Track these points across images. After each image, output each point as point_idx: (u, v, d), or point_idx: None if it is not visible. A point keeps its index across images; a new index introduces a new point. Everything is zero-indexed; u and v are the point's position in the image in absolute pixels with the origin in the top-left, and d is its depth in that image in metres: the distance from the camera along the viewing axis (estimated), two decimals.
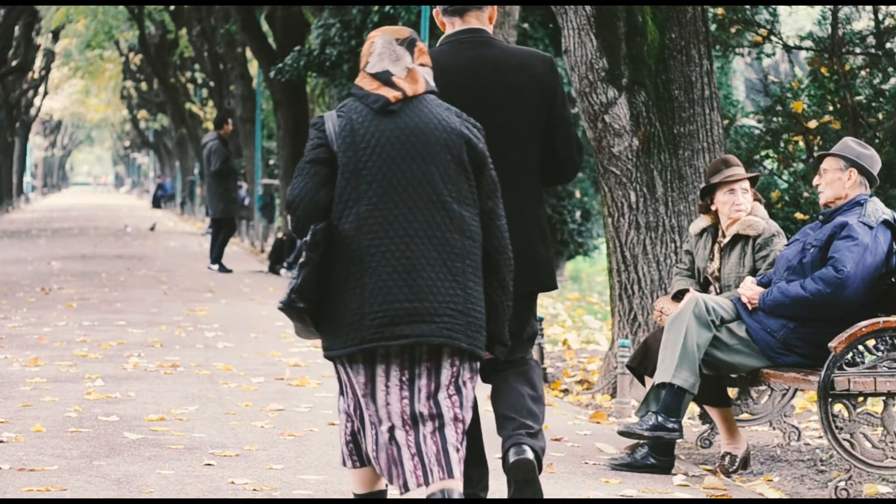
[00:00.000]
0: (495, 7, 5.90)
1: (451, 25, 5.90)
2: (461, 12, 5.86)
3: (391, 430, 5.07)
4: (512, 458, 5.49)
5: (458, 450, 5.08)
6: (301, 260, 5.06)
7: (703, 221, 7.92)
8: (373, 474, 5.32)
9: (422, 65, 5.23)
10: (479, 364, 5.19)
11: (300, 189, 5.09)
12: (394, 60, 5.18)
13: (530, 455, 5.48)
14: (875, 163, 7.27)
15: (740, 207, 7.73)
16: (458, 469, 5.05)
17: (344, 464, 5.37)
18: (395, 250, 5.02)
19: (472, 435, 5.72)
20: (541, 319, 11.41)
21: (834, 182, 7.25)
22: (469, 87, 5.75)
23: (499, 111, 5.78)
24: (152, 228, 36.83)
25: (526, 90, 5.83)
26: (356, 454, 5.30)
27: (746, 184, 7.79)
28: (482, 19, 5.88)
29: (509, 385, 5.73)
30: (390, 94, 5.13)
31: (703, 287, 7.85)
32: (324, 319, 5.10)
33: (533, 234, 5.84)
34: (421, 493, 5.13)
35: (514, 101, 5.82)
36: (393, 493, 6.19)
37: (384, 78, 5.15)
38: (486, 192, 5.21)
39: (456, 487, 5.01)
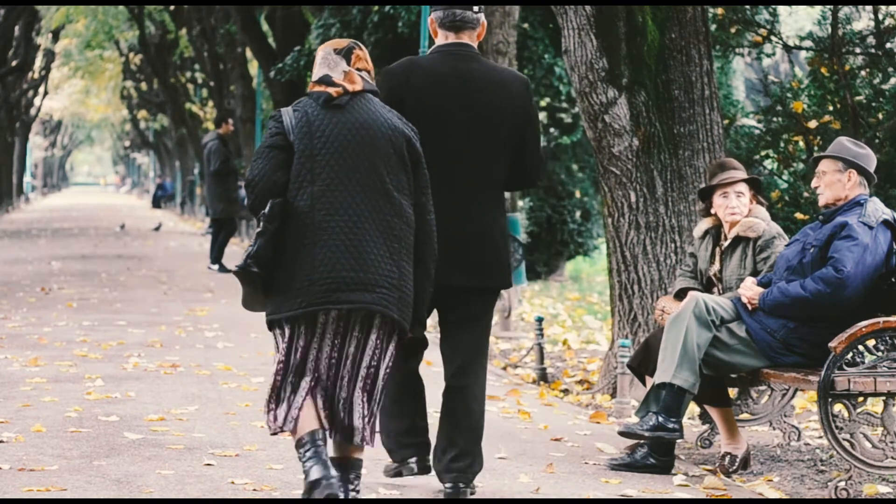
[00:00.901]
0: (485, 25, 6.58)
1: (445, 37, 6.55)
2: (458, 28, 6.53)
3: (316, 380, 5.79)
4: (446, 489, 6.38)
5: (363, 417, 5.81)
6: (258, 230, 5.71)
7: (705, 224, 7.93)
8: (308, 419, 5.80)
9: (359, 69, 5.99)
10: (399, 336, 5.88)
11: (259, 170, 5.80)
12: (331, 67, 5.96)
13: (459, 491, 6.35)
14: (871, 161, 7.26)
15: (734, 211, 7.74)
16: (358, 436, 5.81)
17: (274, 429, 5.86)
18: (343, 227, 5.73)
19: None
20: (541, 319, 11.42)
21: (833, 184, 7.24)
22: (452, 95, 6.42)
23: (477, 121, 6.43)
24: (157, 228, 36.77)
25: (503, 106, 6.47)
26: (290, 415, 5.81)
27: (742, 187, 7.78)
28: (472, 37, 6.56)
29: (458, 400, 6.47)
30: (333, 90, 5.88)
31: (707, 288, 7.85)
32: (274, 287, 5.74)
33: (499, 237, 6.52)
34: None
35: (492, 115, 6.45)
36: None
37: (325, 80, 5.93)
38: (420, 188, 5.96)
39: (355, 455, 5.86)
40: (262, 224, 5.71)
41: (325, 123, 5.81)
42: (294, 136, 5.80)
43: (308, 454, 5.74)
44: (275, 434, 5.89)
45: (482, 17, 6.55)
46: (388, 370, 5.89)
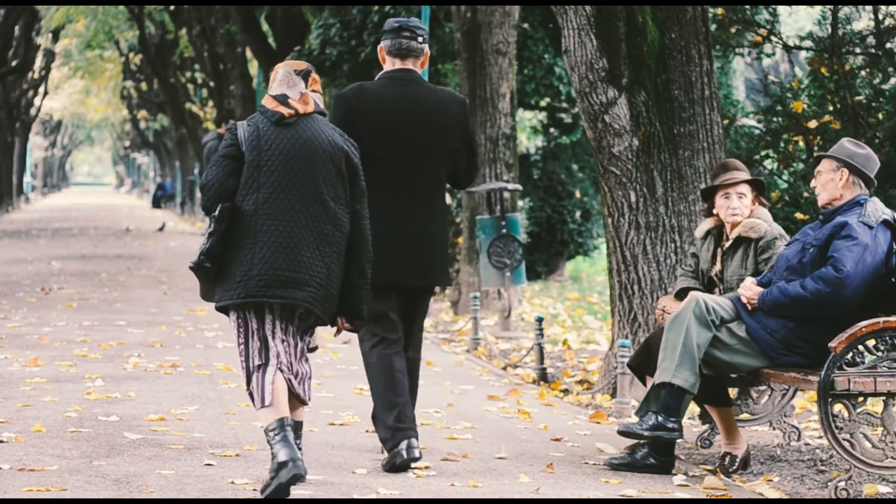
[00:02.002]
0: (427, 55, 7.49)
1: (392, 63, 7.47)
2: (404, 56, 7.46)
3: (279, 362, 6.49)
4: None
5: (302, 382, 6.61)
6: (210, 230, 6.48)
7: (707, 224, 7.94)
8: (281, 405, 6.46)
9: (314, 91, 6.70)
10: (315, 327, 6.68)
11: (213, 176, 6.54)
12: (290, 86, 6.65)
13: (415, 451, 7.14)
14: (870, 162, 7.25)
15: (735, 212, 7.74)
16: (305, 396, 6.62)
17: (256, 404, 6.46)
18: (282, 231, 6.47)
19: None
20: (541, 319, 11.42)
21: (828, 183, 7.25)
22: (399, 115, 7.34)
23: (421, 137, 7.37)
24: (161, 229, 36.77)
25: (443, 124, 7.42)
26: (267, 390, 6.47)
27: (744, 188, 7.78)
28: (417, 64, 7.48)
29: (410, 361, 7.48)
30: (285, 111, 6.59)
31: (708, 288, 7.85)
32: (221, 280, 6.50)
33: (442, 243, 7.47)
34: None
35: (434, 131, 7.40)
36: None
37: (282, 99, 6.62)
38: (356, 197, 6.69)
39: (298, 416, 6.64)
40: (212, 225, 6.48)
41: (273, 139, 6.55)
42: (245, 147, 6.54)
43: (277, 438, 6.37)
44: (257, 407, 6.51)
45: (426, 47, 7.48)
46: (308, 346, 6.72)
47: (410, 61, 7.46)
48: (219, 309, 6.58)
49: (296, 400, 6.64)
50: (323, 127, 6.66)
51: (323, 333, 9.65)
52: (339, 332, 6.84)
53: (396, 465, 7.09)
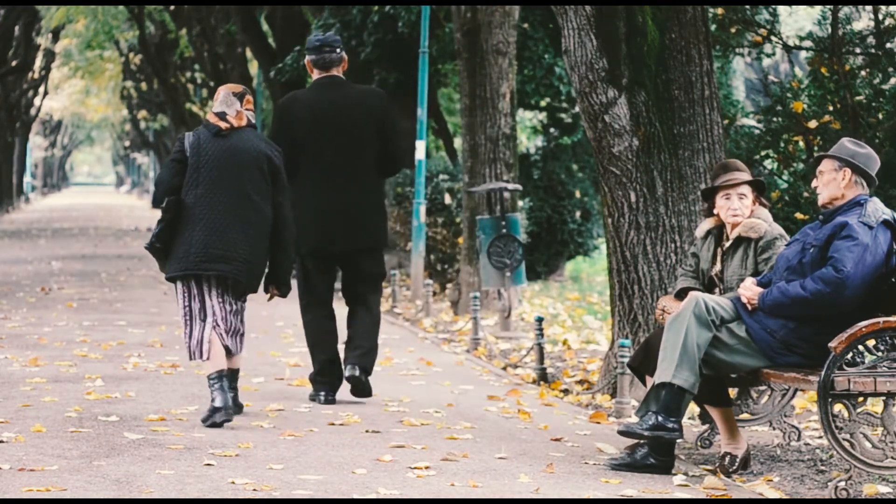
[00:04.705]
0: (346, 60, 9.34)
1: (319, 73, 9.35)
2: (328, 67, 9.33)
3: (215, 321, 8.36)
4: (346, 374, 9.14)
5: (239, 337, 8.52)
6: (160, 219, 8.34)
7: (707, 224, 7.93)
8: (219, 360, 8.28)
9: (247, 109, 8.54)
10: (246, 296, 8.50)
11: (163, 176, 8.47)
12: (228, 105, 8.50)
13: (357, 372, 9.10)
14: (871, 161, 7.24)
15: (736, 213, 7.74)
16: (235, 349, 8.50)
17: (193, 357, 8.33)
18: (214, 218, 8.31)
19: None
20: (541, 319, 11.41)
21: (830, 183, 7.25)
22: (326, 115, 9.18)
23: (348, 130, 9.19)
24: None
25: (364, 115, 9.23)
26: (204, 346, 8.29)
27: (745, 189, 7.77)
28: (339, 70, 9.36)
29: (357, 315, 9.30)
30: (222, 125, 8.45)
31: (708, 288, 7.85)
32: (168, 257, 8.34)
33: (372, 211, 9.25)
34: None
35: (355, 123, 9.21)
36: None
37: (221, 116, 8.47)
38: (279, 191, 8.53)
39: (235, 364, 8.56)
40: (161, 214, 8.30)
41: (210, 146, 8.39)
42: (189, 153, 8.38)
43: (216, 386, 8.18)
44: (192, 359, 8.36)
45: (343, 54, 9.34)
46: (243, 311, 8.53)
47: (334, 69, 9.32)
48: (168, 279, 8.37)
49: (230, 352, 8.39)
50: (251, 137, 8.47)
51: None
52: (271, 297, 8.74)
53: (316, 402, 9.12)
